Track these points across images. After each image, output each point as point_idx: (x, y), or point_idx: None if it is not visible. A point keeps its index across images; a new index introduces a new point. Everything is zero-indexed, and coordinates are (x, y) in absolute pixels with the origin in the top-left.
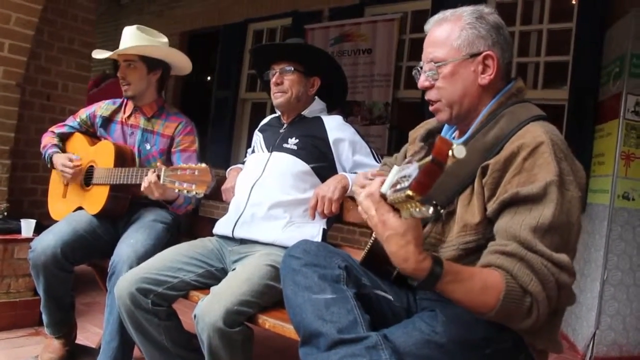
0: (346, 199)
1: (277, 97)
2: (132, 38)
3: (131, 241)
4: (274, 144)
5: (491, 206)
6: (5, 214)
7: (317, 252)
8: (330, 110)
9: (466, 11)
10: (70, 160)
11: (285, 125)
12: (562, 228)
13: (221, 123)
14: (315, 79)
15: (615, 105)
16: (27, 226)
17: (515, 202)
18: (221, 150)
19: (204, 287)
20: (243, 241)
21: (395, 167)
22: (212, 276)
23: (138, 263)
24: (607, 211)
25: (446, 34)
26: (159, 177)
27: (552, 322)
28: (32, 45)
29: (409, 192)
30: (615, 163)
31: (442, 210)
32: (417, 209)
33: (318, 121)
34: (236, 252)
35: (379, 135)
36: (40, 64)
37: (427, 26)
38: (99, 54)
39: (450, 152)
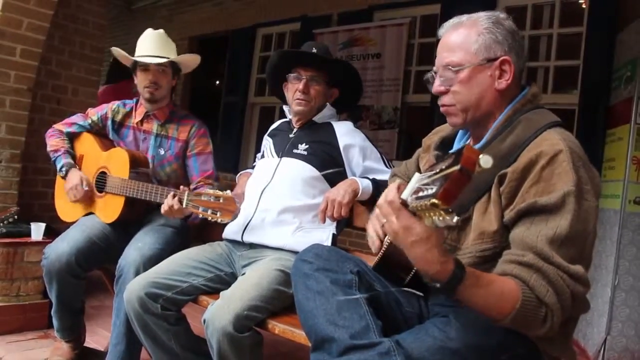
0: (356, 203)
1: (301, 104)
2: (163, 44)
3: (139, 244)
4: (284, 149)
5: (508, 214)
6: (16, 217)
7: (329, 257)
8: (338, 113)
9: (482, 16)
10: (82, 182)
11: (295, 131)
12: (578, 238)
13: (230, 127)
14: (335, 90)
15: (627, 109)
16: (37, 229)
17: (533, 211)
18: (230, 154)
19: (214, 292)
20: (252, 246)
21: (417, 175)
22: (222, 281)
23: (145, 267)
24: (618, 216)
25: (463, 39)
26: (181, 201)
27: (565, 330)
28: (43, 50)
29: (435, 201)
30: (626, 168)
31: (458, 218)
32: (441, 218)
33: (328, 127)
34: (245, 257)
35: (387, 140)
36: (51, 69)
37: (442, 31)
38: (149, 58)
39: (478, 157)
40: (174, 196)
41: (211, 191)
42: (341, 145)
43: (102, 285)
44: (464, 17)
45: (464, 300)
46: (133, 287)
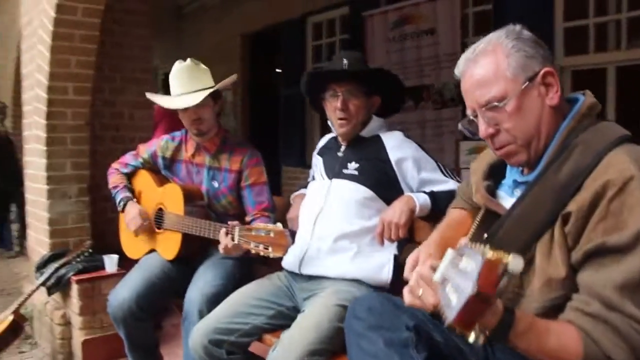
0: (416, 219)
1: (343, 125)
2: (196, 75)
3: (200, 284)
4: (334, 171)
5: (575, 256)
6: (90, 250)
7: (382, 311)
8: (386, 116)
9: (500, 36)
10: (140, 215)
11: (343, 148)
12: None
13: (292, 121)
14: (376, 98)
15: None
16: (110, 262)
17: (601, 252)
18: (294, 148)
19: (277, 329)
20: (311, 277)
21: (450, 252)
22: (284, 316)
23: (208, 306)
24: None
25: (493, 68)
26: (232, 237)
27: None
28: (96, 81)
29: (451, 324)
30: None
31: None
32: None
33: (377, 141)
34: (305, 289)
35: (452, 119)
36: (105, 97)
37: (460, 70)
38: (173, 102)
39: (501, 270)
40: (226, 233)
41: (262, 225)
42: (393, 159)
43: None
44: (480, 45)
45: (518, 349)
46: (196, 335)
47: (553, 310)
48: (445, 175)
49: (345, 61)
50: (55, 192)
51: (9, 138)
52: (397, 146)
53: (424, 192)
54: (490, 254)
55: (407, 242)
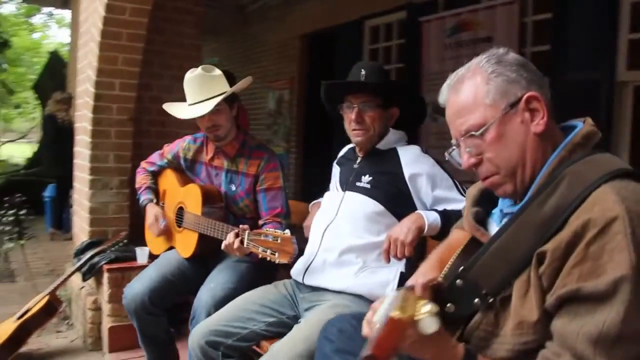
0: (428, 237)
1: (358, 135)
2: (208, 84)
3: (211, 285)
4: (347, 182)
5: (549, 299)
6: (125, 241)
7: (353, 334)
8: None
9: (481, 61)
10: (157, 219)
11: (359, 160)
12: (637, 336)
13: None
14: (394, 110)
15: None
16: (142, 253)
17: (576, 300)
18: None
19: (275, 337)
20: (314, 288)
21: (392, 294)
22: (283, 325)
23: (216, 308)
24: None
25: (472, 95)
26: (242, 241)
27: None
28: (144, 78)
29: None
30: None
31: (491, 299)
32: None
33: (393, 154)
34: (307, 300)
35: None
36: (153, 94)
37: (443, 97)
38: (184, 113)
39: (410, 330)
40: (236, 235)
41: (270, 231)
42: (406, 175)
43: None
44: (461, 72)
45: None
46: (195, 335)
47: (524, 355)
48: (461, 194)
49: (363, 72)
50: (97, 182)
51: (72, 128)
52: (412, 161)
53: (436, 210)
54: (397, 313)
55: (418, 259)
